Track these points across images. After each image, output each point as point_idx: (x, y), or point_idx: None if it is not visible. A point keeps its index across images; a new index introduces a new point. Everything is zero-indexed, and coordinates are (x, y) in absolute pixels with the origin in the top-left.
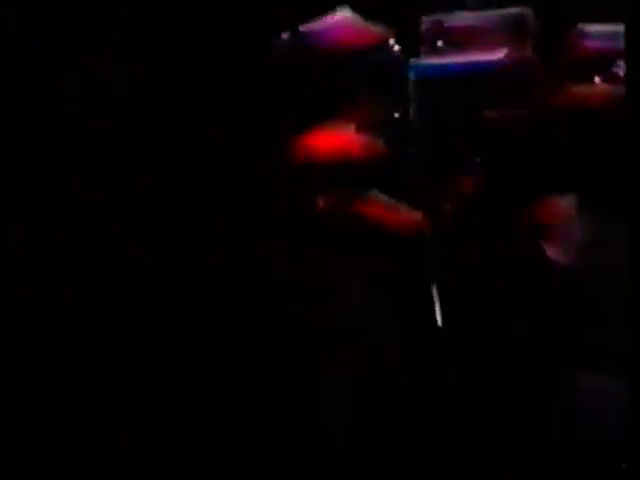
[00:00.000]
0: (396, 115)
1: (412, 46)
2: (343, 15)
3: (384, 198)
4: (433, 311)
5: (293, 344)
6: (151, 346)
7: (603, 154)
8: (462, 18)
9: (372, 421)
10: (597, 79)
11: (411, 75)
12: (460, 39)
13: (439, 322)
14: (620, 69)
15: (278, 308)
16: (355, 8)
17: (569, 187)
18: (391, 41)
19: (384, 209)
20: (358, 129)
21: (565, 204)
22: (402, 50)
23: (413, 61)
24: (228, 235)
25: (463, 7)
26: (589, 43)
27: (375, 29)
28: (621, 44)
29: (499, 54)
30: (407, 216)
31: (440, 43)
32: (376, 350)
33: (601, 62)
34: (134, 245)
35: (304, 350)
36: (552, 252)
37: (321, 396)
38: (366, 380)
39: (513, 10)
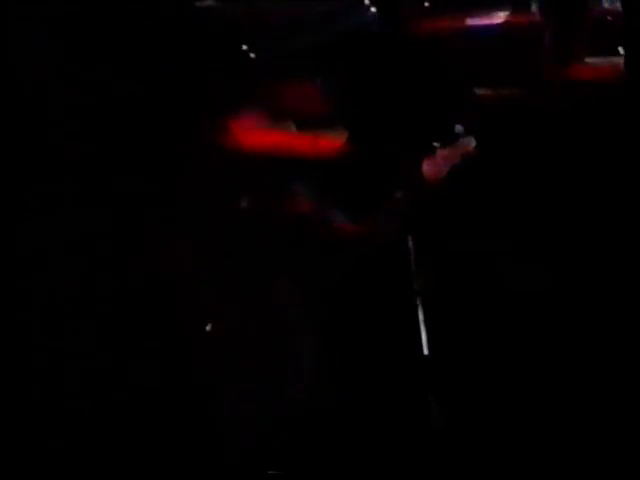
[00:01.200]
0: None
1: (392, 6)
2: None
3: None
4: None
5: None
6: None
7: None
8: None
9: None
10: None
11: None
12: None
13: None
14: None
15: (195, 308)
16: None
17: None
18: (366, 0)
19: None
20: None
21: None
22: (380, 11)
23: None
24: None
25: None
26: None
27: None
28: None
29: (498, 18)
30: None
31: (427, 3)
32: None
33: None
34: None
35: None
36: None
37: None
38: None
39: None
